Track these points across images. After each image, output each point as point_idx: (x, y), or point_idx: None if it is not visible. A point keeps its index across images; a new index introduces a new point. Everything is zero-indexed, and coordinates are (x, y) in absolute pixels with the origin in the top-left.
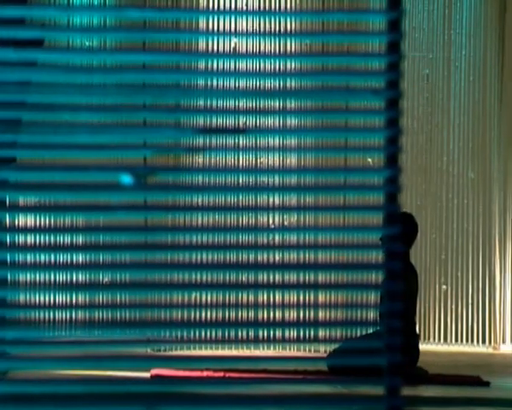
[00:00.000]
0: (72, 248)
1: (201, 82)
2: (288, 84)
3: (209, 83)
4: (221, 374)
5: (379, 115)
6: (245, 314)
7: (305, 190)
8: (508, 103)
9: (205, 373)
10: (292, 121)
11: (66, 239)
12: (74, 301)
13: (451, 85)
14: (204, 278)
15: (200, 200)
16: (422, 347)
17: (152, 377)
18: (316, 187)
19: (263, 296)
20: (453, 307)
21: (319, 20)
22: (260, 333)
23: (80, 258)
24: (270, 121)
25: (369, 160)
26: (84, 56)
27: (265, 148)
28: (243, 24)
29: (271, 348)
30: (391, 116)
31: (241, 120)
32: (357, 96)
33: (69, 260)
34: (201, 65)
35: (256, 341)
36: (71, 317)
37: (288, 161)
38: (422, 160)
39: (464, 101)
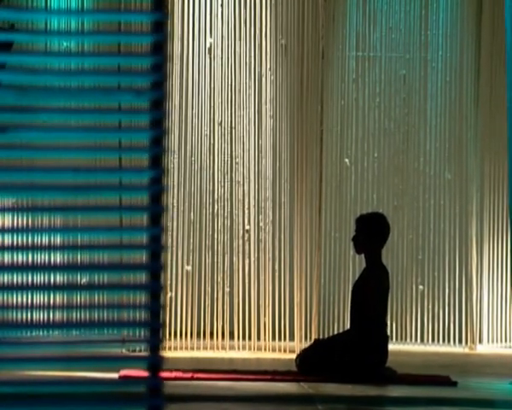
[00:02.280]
0: (50, 247)
1: None
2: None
3: None
4: (189, 375)
5: (144, 116)
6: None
7: (69, 191)
8: (484, 104)
9: (173, 374)
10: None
11: (43, 239)
12: (52, 301)
13: (428, 86)
14: None
15: None
16: (399, 347)
17: (120, 377)
18: (79, 187)
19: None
20: (430, 307)
21: (83, 19)
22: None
23: (58, 258)
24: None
25: (346, 160)
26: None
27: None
28: (218, 25)
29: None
30: (155, 117)
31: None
32: (121, 97)
33: (46, 261)
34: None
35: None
36: (48, 317)
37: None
38: (399, 160)
39: (441, 101)
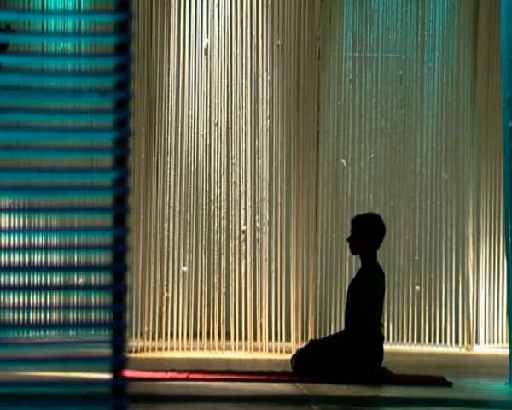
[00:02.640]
0: (46, 248)
1: None
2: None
3: None
4: (185, 375)
5: (108, 116)
6: None
7: (32, 192)
8: (481, 105)
9: (169, 374)
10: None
11: (40, 239)
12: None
13: (425, 87)
14: None
15: None
16: (395, 347)
17: None
18: (44, 188)
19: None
20: (426, 307)
21: (48, 20)
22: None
23: (54, 259)
24: None
25: (343, 161)
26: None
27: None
28: (215, 25)
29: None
30: (120, 118)
31: None
32: (85, 97)
33: (43, 261)
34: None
35: None
36: (45, 318)
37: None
38: (396, 161)
39: (437, 102)
